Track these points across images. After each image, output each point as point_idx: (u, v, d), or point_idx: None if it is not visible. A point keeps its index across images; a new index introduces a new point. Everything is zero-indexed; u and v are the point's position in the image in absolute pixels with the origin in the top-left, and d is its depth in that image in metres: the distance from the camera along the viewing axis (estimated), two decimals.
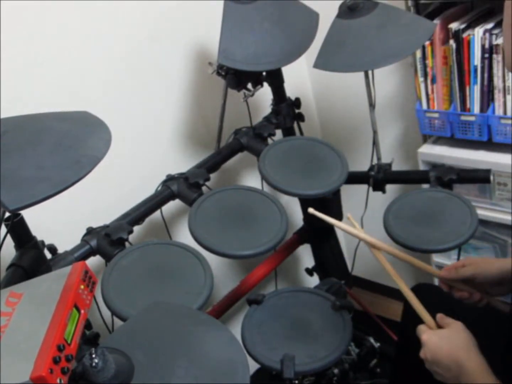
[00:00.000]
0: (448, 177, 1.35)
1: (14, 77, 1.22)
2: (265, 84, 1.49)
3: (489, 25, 1.36)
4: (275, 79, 1.49)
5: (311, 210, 1.13)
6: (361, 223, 1.68)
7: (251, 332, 1.20)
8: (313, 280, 1.92)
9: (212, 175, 1.39)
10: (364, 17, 1.32)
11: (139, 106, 1.48)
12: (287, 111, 1.54)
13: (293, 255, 1.87)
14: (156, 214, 1.35)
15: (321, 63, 1.33)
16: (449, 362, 0.85)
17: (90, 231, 1.21)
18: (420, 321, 1.10)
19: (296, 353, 1.11)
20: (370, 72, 1.39)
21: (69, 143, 0.86)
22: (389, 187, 1.48)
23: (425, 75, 1.52)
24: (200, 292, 1.03)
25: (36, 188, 0.77)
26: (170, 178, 1.35)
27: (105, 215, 1.25)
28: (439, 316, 0.94)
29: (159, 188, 1.34)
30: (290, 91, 1.57)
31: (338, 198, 1.55)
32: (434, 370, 0.89)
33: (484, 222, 1.59)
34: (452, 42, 1.41)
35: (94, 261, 1.25)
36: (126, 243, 1.18)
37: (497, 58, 1.36)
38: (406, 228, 1.26)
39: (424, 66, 1.51)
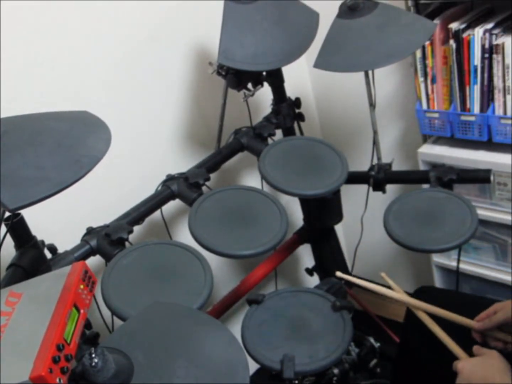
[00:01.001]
0: (448, 177, 1.35)
1: (14, 77, 1.22)
2: (265, 84, 1.49)
3: (489, 25, 1.36)
4: (275, 79, 1.49)
5: (339, 273, 1.12)
6: (361, 223, 1.68)
7: (251, 332, 1.20)
8: (313, 280, 1.92)
9: (212, 175, 1.39)
10: (364, 17, 1.32)
11: (139, 106, 1.48)
12: (287, 111, 1.54)
13: (293, 255, 1.87)
14: (156, 214, 1.35)
15: (321, 63, 1.33)
16: None
17: (90, 231, 1.21)
18: (422, 322, 1.10)
19: (296, 353, 1.11)
20: (370, 72, 1.39)
21: (69, 143, 0.86)
22: (389, 187, 1.48)
23: (425, 75, 1.52)
24: (200, 292, 1.03)
25: (36, 187, 0.77)
26: (170, 178, 1.35)
27: (105, 215, 1.25)
28: (475, 347, 0.95)
29: (159, 188, 1.34)
30: (290, 91, 1.57)
31: (338, 198, 1.55)
32: None
33: (484, 222, 1.59)
34: (452, 42, 1.41)
35: (94, 261, 1.25)
36: (126, 243, 1.18)
37: (497, 58, 1.36)
38: (406, 228, 1.26)
39: (424, 66, 1.51)
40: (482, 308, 1.04)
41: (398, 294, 1.09)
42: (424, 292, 1.25)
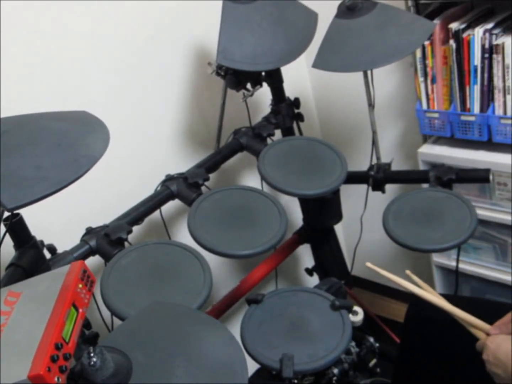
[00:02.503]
0: (448, 177, 1.35)
1: (14, 77, 1.22)
2: (265, 84, 1.49)
3: (489, 25, 1.36)
4: (274, 79, 1.49)
5: (369, 264, 1.05)
6: (361, 223, 1.68)
7: (251, 331, 1.20)
8: (313, 280, 1.92)
9: (211, 175, 1.39)
10: (363, 17, 1.32)
11: (138, 106, 1.48)
12: (286, 111, 1.54)
13: (293, 255, 1.87)
14: (156, 214, 1.35)
15: (320, 63, 1.33)
16: (507, 360, 0.89)
17: (89, 231, 1.21)
18: (423, 323, 1.09)
19: (296, 353, 1.11)
20: (369, 72, 1.39)
21: (67, 143, 0.86)
22: (388, 187, 1.48)
23: (425, 75, 1.52)
24: (199, 292, 1.04)
25: (35, 187, 0.77)
26: (169, 178, 1.35)
27: (105, 215, 1.25)
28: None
29: (158, 188, 1.34)
30: (290, 91, 1.57)
31: (338, 198, 1.55)
32: (493, 371, 0.92)
33: (484, 222, 1.59)
34: (452, 42, 1.41)
35: (93, 261, 1.25)
36: (126, 243, 1.18)
37: (497, 58, 1.36)
38: (406, 228, 1.26)
39: (424, 66, 1.51)
40: (480, 312, 1.04)
41: (432, 296, 1.05)
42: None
